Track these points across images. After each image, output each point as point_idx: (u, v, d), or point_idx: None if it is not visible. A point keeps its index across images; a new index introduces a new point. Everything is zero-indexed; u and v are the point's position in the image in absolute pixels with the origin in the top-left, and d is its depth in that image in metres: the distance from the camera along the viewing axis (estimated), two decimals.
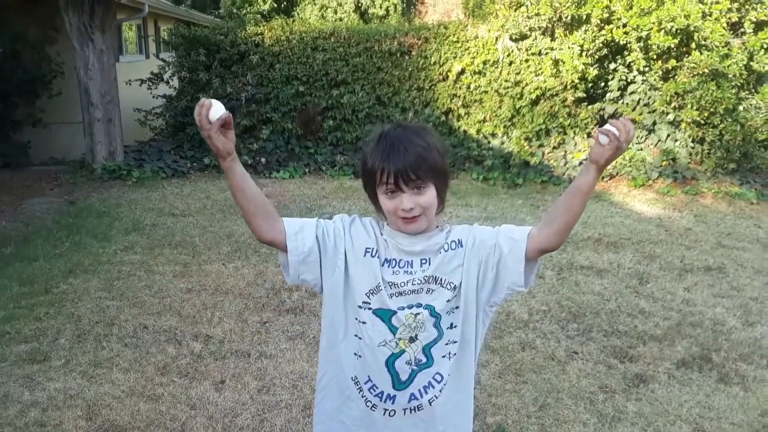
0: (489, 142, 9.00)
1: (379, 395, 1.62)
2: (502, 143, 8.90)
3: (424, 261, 1.62)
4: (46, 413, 3.14)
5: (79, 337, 3.94)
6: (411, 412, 1.63)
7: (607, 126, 1.47)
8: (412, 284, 1.60)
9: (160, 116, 9.52)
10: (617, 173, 8.28)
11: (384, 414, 1.63)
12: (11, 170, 8.86)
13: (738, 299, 4.62)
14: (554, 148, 8.68)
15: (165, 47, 13.41)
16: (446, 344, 1.62)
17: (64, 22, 8.33)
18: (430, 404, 1.62)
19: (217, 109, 1.48)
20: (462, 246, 1.62)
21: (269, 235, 1.62)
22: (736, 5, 8.06)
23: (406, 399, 1.62)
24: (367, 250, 1.63)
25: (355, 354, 1.64)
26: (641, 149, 8.47)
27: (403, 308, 1.60)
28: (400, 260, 1.62)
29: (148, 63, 11.62)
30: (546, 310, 4.39)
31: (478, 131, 9.09)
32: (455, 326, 1.62)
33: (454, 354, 1.63)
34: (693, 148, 8.32)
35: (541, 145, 8.73)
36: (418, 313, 1.59)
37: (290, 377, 3.48)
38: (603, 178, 8.24)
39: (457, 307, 1.62)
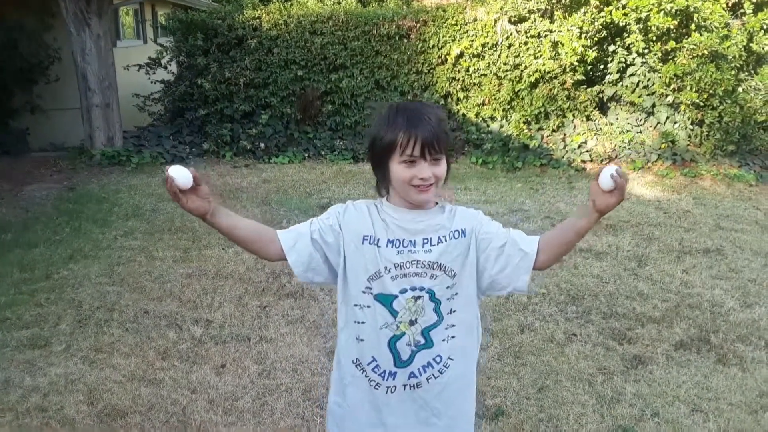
0: (488, 126, 8.99)
1: (382, 374, 1.67)
2: (501, 127, 8.88)
3: (426, 241, 1.63)
4: (47, 398, 3.16)
5: (79, 323, 3.96)
6: (410, 389, 1.67)
7: (606, 179, 1.52)
8: (416, 267, 1.63)
9: (159, 101, 9.48)
10: (616, 156, 8.27)
11: (386, 392, 1.68)
12: (10, 157, 8.84)
13: (736, 281, 4.63)
14: (553, 131, 8.66)
15: (162, 32, 13.30)
16: (446, 328, 1.66)
17: (60, 7, 8.27)
18: (428, 382, 1.67)
19: (184, 176, 1.51)
20: (465, 236, 1.65)
21: (274, 257, 1.71)
22: None
23: (406, 376, 1.66)
24: (365, 237, 1.65)
25: (357, 338, 1.68)
26: (640, 132, 8.45)
27: (405, 290, 1.63)
28: (403, 240, 1.64)
29: (145, 48, 11.55)
30: (545, 293, 4.40)
31: (477, 115, 9.07)
32: (454, 311, 1.66)
33: (453, 337, 1.67)
34: (692, 130, 8.30)
35: (540, 129, 8.71)
36: (419, 297, 1.63)
37: (290, 361, 3.50)
38: (602, 161, 8.23)
39: (457, 294, 1.65)
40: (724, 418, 3.02)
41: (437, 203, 1.68)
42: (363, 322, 1.66)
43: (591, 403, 3.13)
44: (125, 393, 3.19)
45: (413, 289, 1.62)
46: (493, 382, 3.32)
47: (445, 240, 1.63)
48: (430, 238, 1.63)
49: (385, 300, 1.63)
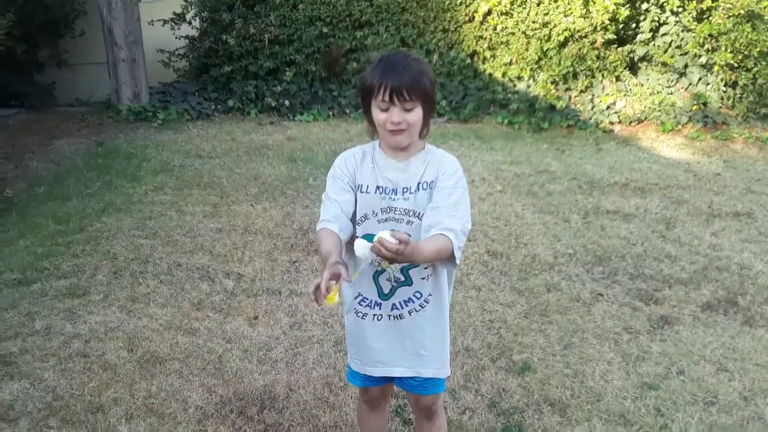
0: (515, 86, 8.86)
1: (369, 305, 1.97)
2: (528, 87, 8.76)
3: (405, 190, 1.87)
4: (88, 344, 3.28)
5: (115, 274, 4.07)
6: (394, 320, 1.97)
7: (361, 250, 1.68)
8: (396, 213, 1.87)
9: (184, 57, 9.47)
10: (645, 118, 8.15)
11: (373, 319, 1.98)
12: (37, 111, 8.93)
13: (766, 244, 4.60)
14: (581, 91, 8.53)
15: None
16: (425, 268, 1.92)
17: None
18: (410, 315, 1.96)
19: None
20: (429, 188, 1.87)
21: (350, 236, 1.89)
22: None
23: (389, 308, 1.95)
24: (359, 186, 1.90)
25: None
26: (671, 93, 8.30)
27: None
28: (386, 187, 1.88)
29: (170, 2, 11.44)
30: (571, 254, 4.42)
31: (504, 74, 8.93)
32: None
33: (431, 275, 1.93)
34: (725, 92, 8.13)
35: (567, 89, 8.58)
36: None
37: (320, 314, 3.58)
38: (631, 122, 8.11)
39: None
40: (749, 377, 3.05)
41: (423, 148, 1.90)
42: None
43: (617, 361, 3.18)
44: (163, 341, 3.30)
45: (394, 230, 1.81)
46: (519, 338, 3.37)
47: (418, 190, 1.86)
48: (410, 187, 1.86)
49: (370, 240, 1.79)
